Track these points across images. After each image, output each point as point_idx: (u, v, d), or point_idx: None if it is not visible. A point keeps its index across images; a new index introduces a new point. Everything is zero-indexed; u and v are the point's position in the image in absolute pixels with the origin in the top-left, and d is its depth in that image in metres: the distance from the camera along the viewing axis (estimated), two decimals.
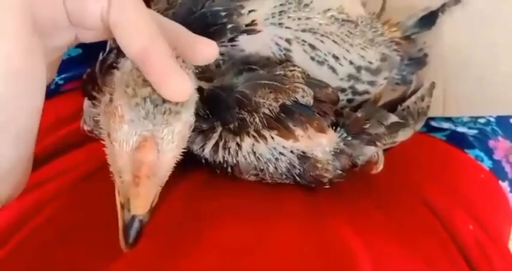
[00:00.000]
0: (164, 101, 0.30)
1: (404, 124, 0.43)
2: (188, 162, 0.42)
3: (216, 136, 0.39)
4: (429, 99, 0.47)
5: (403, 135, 0.44)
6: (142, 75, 0.30)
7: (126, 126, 0.29)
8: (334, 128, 0.40)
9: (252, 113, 0.38)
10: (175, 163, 0.32)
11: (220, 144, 0.39)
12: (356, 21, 0.44)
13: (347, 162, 0.41)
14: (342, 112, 0.41)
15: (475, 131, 0.54)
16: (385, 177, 0.46)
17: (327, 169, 0.40)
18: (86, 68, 0.39)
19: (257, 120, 0.38)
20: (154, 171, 0.30)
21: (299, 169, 0.40)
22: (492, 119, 0.55)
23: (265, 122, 0.38)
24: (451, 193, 0.49)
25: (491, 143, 0.53)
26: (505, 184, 0.53)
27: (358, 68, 0.42)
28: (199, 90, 0.37)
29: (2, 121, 0.26)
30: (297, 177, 0.41)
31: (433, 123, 0.54)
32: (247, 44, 0.40)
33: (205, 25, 0.38)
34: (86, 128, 0.42)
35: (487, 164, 0.52)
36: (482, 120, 0.54)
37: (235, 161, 0.40)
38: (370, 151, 0.42)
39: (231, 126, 0.38)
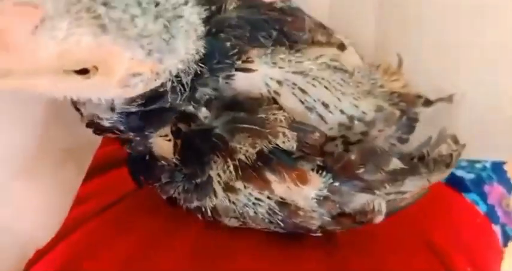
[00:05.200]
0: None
1: (411, 171, 0.39)
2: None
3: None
4: (449, 146, 0.43)
5: (413, 185, 0.40)
6: None
7: None
8: (320, 171, 0.36)
9: (227, 158, 0.35)
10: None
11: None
12: (352, 71, 0.41)
13: (332, 208, 0.37)
14: (331, 152, 0.37)
15: (472, 176, 0.55)
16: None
17: (312, 217, 0.37)
18: None
19: (231, 167, 0.35)
20: (6, 45, 0.23)
21: (281, 216, 0.37)
22: (488, 165, 0.57)
23: (239, 171, 0.35)
24: (453, 237, 0.50)
25: (486, 188, 0.55)
26: (497, 228, 0.55)
27: (351, 118, 0.39)
28: (177, 132, 0.36)
29: None
30: (280, 223, 0.37)
31: None
32: (241, 82, 0.36)
33: None
34: None
35: (482, 208, 0.54)
36: (479, 165, 0.56)
37: (212, 204, 0.37)
38: (362, 198, 0.38)
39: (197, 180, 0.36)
